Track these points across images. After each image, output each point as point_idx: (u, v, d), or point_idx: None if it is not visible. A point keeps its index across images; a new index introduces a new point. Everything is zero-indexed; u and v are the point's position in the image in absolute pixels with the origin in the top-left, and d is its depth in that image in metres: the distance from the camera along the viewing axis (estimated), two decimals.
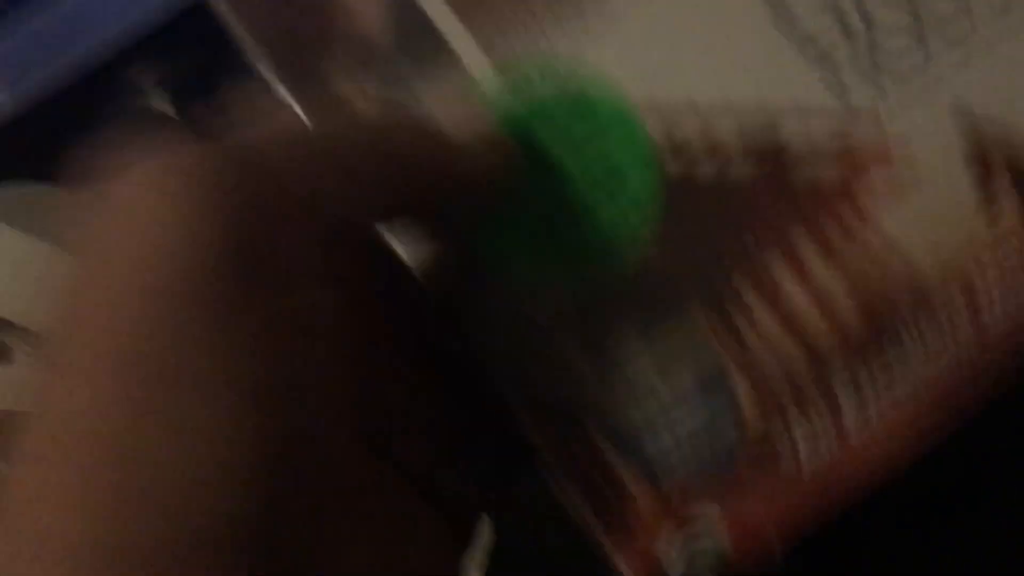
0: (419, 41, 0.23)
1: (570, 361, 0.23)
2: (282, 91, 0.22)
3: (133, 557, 0.14)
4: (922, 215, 0.22)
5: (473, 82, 0.23)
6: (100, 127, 0.49)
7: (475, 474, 0.22)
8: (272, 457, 0.16)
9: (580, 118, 0.23)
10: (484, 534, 0.26)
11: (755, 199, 0.23)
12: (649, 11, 0.23)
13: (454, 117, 0.23)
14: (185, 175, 0.16)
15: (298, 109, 0.23)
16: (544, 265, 0.23)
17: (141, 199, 0.16)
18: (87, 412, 0.15)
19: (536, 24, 0.23)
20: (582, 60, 0.23)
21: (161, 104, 0.41)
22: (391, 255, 0.23)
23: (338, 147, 0.19)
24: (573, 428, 0.23)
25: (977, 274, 0.22)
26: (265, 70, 0.23)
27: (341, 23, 0.23)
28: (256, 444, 0.15)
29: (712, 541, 0.22)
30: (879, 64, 0.23)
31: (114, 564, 0.14)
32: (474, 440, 0.23)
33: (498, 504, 0.23)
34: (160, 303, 0.15)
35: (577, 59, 0.23)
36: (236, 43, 0.23)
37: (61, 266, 0.60)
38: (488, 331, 0.23)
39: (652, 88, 0.23)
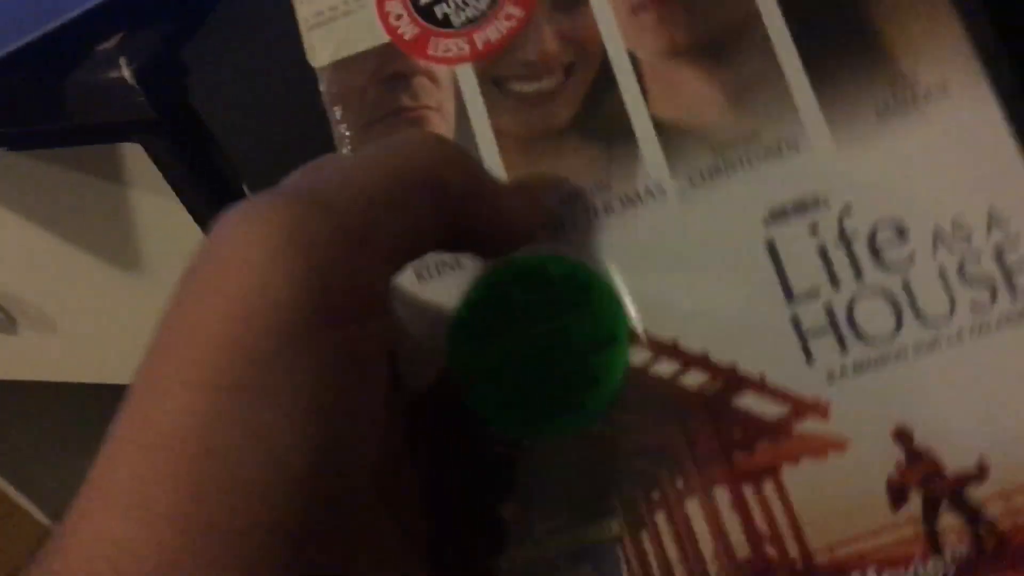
0: None
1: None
2: None
3: (217, 532, 0.18)
4: (830, 482, 0.23)
5: None
6: (64, 95, 0.49)
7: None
8: (321, 462, 0.19)
9: (574, 283, 0.25)
10: None
11: (695, 411, 0.24)
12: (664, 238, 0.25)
13: None
14: (265, 224, 0.19)
15: None
16: (502, 403, 0.25)
17: (232, 243, 0.19)
18: (184, 412, 0.18)
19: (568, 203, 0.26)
20: (592, 241, 0.26)
21: (124, 73, 0.42)
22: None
23: (392, 184, 0.21)
24: None
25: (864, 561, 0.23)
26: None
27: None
28: (310, 450, 0.18)
29: None
30: (854, 319, 0.24)
31: (203, 535, 0.17)
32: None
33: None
34: (246, 329, 0.19)
35: (588, 238, 0.26)
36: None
37: (15, 234, 0.59)
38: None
39: (646, 288, 0.25)
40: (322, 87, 0.28)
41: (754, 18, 0.26)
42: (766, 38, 0.26)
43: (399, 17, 0.28)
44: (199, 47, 0.48)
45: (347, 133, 0.28)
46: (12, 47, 0.44)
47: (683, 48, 0.26)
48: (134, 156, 0.52)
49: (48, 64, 0.45)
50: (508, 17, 0.28)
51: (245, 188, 0.53)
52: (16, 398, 0.88)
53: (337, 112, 0.28)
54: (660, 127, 0.26)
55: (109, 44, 0.44)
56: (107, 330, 0.70)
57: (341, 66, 0.28)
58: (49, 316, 0.74)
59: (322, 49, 0.29)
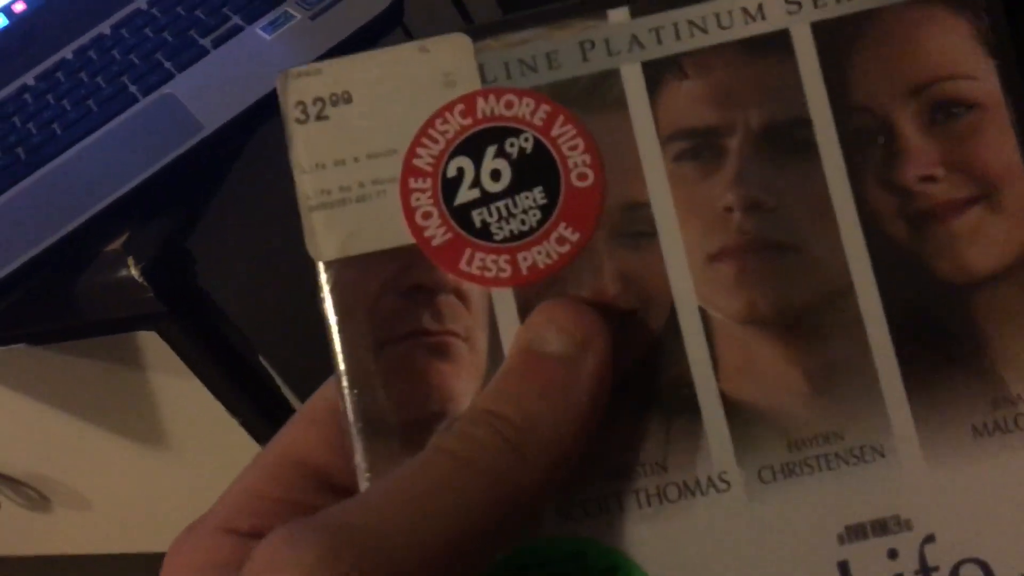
0: None
1: None
2: (354, 429, 0.23)
3: None
4: None
5: None
6: (77, 295, 0.50)
7: None
8: None
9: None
10: None
11: None
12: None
13: None
14: (305, 551, 0.19)
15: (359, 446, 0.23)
16: None
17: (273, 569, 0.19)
18: None
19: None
20: (639, 532, 0.23)
21: (132, 272, 0.43)
22: None
23: (439, 514, 0.20)
24: None
25: None
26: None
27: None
28: None
29: None
30: None
31: None
32: None
33: None
34: None
35: (635, 529, 0.23)
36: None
37: (45, 421, 0.61)
38: None
39: None
40: (323, 286, 0.23)
41: (848, 295, 0.23)
42: (858, 321, 0.23)
43: (427, 216, 0.23)
44: (205, 232, 0.49)
45: (344, 353, 0.23)
46: (26, 256, 0.45)
47: (763, 316, 0.23)
48: (150, 341, 0.53)
49: (60, 268, 0.46)
50: (561, 241, 0.23)
51: (263, 361, 0.53)
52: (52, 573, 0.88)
53: (338, 323, 0.23)
54: (730, 406, 0.22)
55: (116, 244, 0.45)
56: (137, 503, 0.71)
57: (348, 265, 0.23)
58: (81, 493, 0.74)
59: (325, 238, 0.23)
